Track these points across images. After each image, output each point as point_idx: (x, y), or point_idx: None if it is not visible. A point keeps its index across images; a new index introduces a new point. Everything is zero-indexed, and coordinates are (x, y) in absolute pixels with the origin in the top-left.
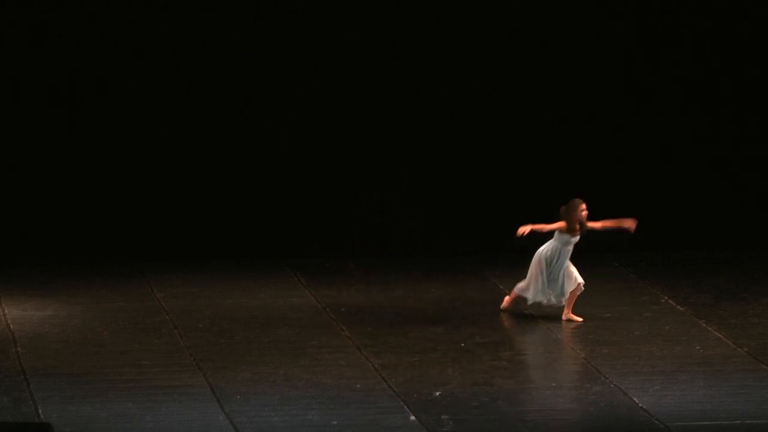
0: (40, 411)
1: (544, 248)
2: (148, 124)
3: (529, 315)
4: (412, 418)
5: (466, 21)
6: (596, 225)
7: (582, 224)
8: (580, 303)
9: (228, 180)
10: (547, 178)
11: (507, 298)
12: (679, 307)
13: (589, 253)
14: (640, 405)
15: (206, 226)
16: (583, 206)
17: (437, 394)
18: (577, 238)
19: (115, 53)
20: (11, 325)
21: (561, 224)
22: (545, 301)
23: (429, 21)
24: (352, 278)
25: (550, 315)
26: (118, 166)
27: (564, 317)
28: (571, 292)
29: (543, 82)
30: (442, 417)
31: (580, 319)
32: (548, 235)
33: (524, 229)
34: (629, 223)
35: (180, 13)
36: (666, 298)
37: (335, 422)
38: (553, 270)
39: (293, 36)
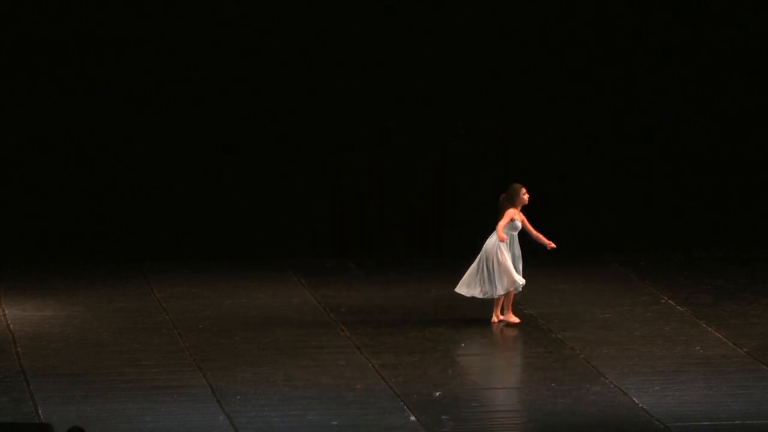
0: (40, 411)
1: (492, 243)
2: (149, 124)
3: (528, 315)
4: (412, 418)
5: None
6: (531, 229)
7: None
8: (581, 302)
9: (228, 180)
10: (546, 178)
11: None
12: (679, 307)
13: (589, 253)
14: (640, 405)
15: (206, 226)
16: (524, 190)
17: (437, 394)
18: (521, 225)
19: (116, 52)
20: (11, 325)
21: (510, 213)
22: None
23: (423, 25)
24: (352, 278)
25: (549, 315)
26: (118, 166)
27: (505, 318)
28: (507, 294)
29: (534, 81)
30: (442, 417)
31: (518, 320)
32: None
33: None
34: (549, 243)
35: (180, 15)
36: (666, 298)
37: (335, 422)
38: (515, 261)
39: (292, 36)
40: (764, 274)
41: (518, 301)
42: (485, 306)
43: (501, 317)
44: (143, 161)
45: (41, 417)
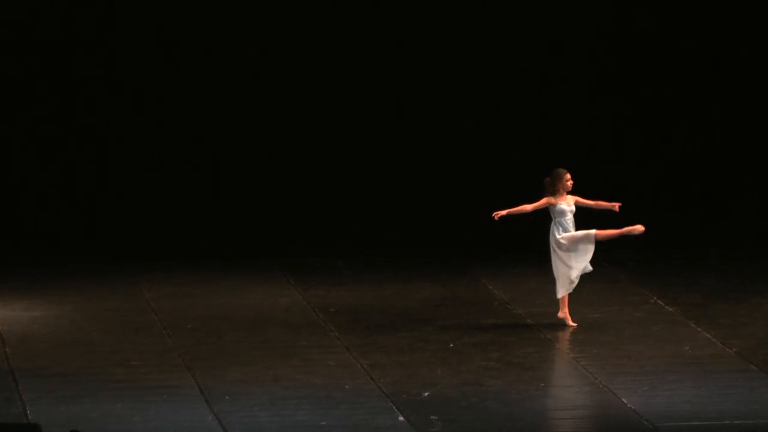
0: (28, 411)
1: (551, 236)
2: (139, 125)
3: (518, 315)
4: (401, 418)
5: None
6: (588, 202)
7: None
8: (570, 302)
9: (218, 180)
10: (539, 179)
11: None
12: (668, 307)
13: None
14: (629, 405)
15: (196, 226)
16: (568, 176)
17: (426, 394)
18: (573, 207)
19: (109, 51)
20: (0, 326)
21: (546, 200)
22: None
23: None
24: (342, 278)
25: (539, 315)
26: (108, 166)
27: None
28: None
29: (532, 81)
30: (431, 417)
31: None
32: (541, 219)
33: (498, 213)
34: (614, 205)
35: (178, 13)
36: (655, 298)
37: (324, 423)
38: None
39: (290, 39)
40: (754, 274)
41: (507, 300)
42: (474, 306)
43: (567, 316)
44: (132, 161)
45: (29, 417)
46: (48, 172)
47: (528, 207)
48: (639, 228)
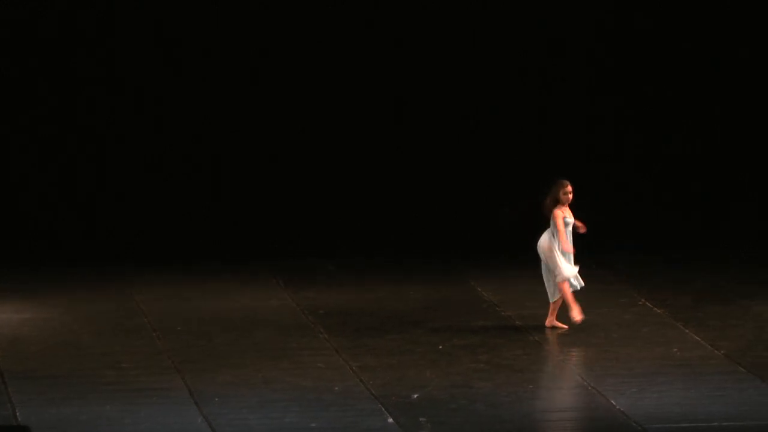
0: (18, 414)
1: (544, 240)
2: (130, 127)
3: (507, 317)
4: (390, 420)
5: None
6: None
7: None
8: (560, 305)
9: (218, 180)
10: (530, 181)
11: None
12: (657, 309)
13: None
14: (617, 407)
15: (186, 228)
16: (570, 188)
17: (415, 396)
18: (572, 219)
19: (118, 54)
20: None
21: (559, 216)
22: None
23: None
24: (332, 280)
25: (528, 317)
26: (98, 168)
27: (548, 324)
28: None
29: (529, 82)
30: (420, 419)
31: (565, 327)
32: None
33: (569, 248)
34: (581, 227)
35: (178, 13)
36: (644, 300)
37: (314, 425)
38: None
39: (290, 39)
40: (742, 276)
41: (497, 302)
42: (463, 308)
43: (555, 323)
44: (132, 161)
45: (19, 420)
46: (48, 172)
47: (562, 229)
48: (577, 319)
